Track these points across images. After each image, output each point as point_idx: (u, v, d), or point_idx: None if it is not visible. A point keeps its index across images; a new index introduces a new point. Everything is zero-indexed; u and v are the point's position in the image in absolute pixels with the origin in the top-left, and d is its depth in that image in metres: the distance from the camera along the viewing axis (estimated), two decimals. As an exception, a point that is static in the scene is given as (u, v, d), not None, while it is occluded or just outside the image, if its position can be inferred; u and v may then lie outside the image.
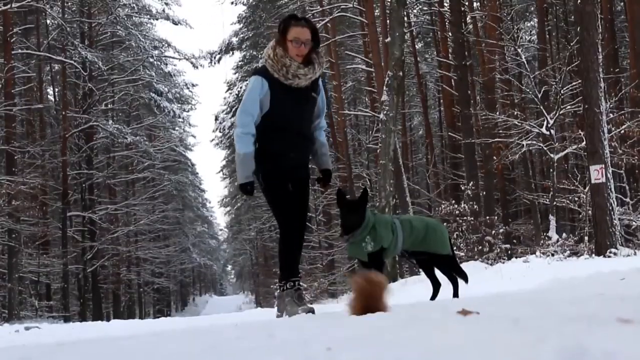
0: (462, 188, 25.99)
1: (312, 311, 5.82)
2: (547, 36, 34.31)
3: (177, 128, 52.27)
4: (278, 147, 5.98)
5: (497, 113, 26.43)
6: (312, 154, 6.32)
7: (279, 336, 2.87)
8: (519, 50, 25.90)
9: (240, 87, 41.71)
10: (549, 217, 22.40)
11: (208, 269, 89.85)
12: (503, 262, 18.42)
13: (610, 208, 15.85)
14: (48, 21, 39.35)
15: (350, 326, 2.97)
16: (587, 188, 19.68)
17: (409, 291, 13.74)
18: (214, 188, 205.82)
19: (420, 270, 6.14)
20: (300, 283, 6.17)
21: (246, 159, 5.87)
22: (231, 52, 43.62)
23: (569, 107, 24.39)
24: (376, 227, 5.51)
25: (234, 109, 41.04)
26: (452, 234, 23.12)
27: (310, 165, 6.46)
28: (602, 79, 16.70)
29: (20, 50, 35.66)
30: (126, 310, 47.45)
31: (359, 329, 2.81)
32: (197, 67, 42.75)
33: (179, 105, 46.47)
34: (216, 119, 47.27)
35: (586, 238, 19.75)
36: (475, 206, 24.16)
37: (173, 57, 45.10)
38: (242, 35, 43.52)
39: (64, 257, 34.76)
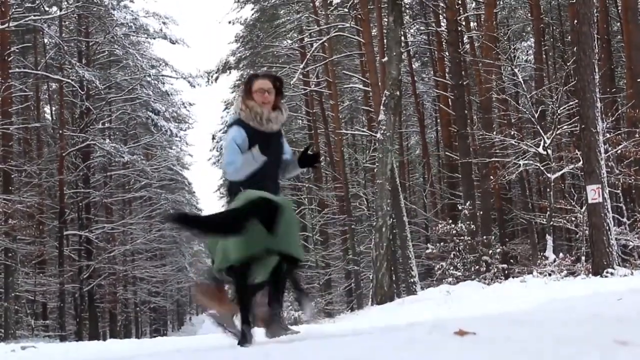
0: (459, 208, 26.05)
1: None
2: (544, 56, 34.45)
3: (174, 147, 52.22)
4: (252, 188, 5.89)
5: (494, 133, 26.48)
6: (284, 170, 6.31)
7: (274, 357, 2.85)
8: (516, 70, 26.01)
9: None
10: (546, 237, 22.36)
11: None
12: (500, 282, 18.40)
13: (607, 228, 15.84)
14: (45, 40, 39.41)
15: (345, 347, 2.96)
16: (584, 208, 19.71)
17: (407, 311, 13.72)
18: (211, 207, 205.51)
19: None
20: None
21: (248, 159, 5.83)
22: (228, 72, 43.67)
23: (565, 127, 24.43)
24: None
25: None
26: (449, 254, 23.16)
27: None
28: (598, 99, 16.75)
29: (17, 69, 35.69)
30: (123, 329, 47.25)
31: (354, 350, 2.80)
32: (194, 86, 42.70)
33: (176, 124, 46.35)
34: (213, 138, 47.31)
35: (583, 258, 19.75)
36: (472, 226, 24.17)
37: (170, 76, 45.05)
38: (239, 55, 43.61)
39: (61, 276, 34.64)
